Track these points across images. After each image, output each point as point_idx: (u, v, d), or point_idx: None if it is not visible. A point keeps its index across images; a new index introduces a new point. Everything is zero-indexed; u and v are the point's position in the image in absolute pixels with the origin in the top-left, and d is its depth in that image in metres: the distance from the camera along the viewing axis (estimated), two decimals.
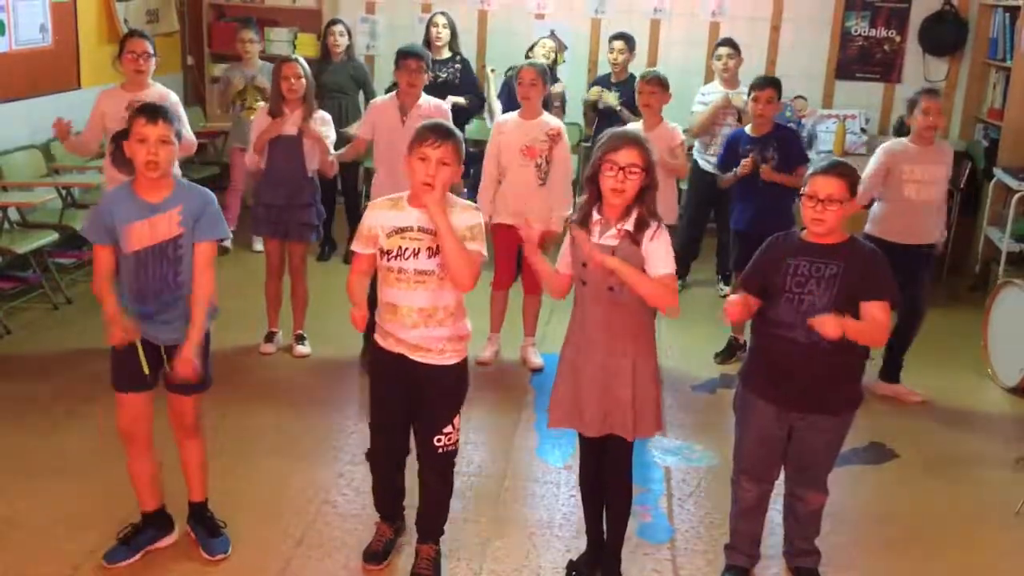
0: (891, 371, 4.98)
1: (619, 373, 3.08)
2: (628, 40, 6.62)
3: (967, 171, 6.87)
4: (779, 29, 7.68)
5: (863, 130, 7.36)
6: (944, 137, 4.87)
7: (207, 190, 3.23)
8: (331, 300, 5.73)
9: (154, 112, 3.08)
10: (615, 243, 3.03)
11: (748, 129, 5.20)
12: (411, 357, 3.14)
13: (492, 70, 6.80)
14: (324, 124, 4.98)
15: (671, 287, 3.01)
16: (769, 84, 5.10)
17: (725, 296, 6.10)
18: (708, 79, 7.01)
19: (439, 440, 3.21)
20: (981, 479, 4.27)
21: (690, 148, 6.43)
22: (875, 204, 4.83)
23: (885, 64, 7.67)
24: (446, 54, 6.70)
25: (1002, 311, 5.21)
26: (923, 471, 4.29)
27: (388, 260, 3.10)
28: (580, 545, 3.48)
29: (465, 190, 5.15)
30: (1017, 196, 5.98)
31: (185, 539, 3.44)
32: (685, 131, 6.18)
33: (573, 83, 7.29)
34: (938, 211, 4.84)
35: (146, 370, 3.18)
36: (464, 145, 3.14)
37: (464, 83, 6.68)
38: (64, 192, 6.09)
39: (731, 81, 6.29)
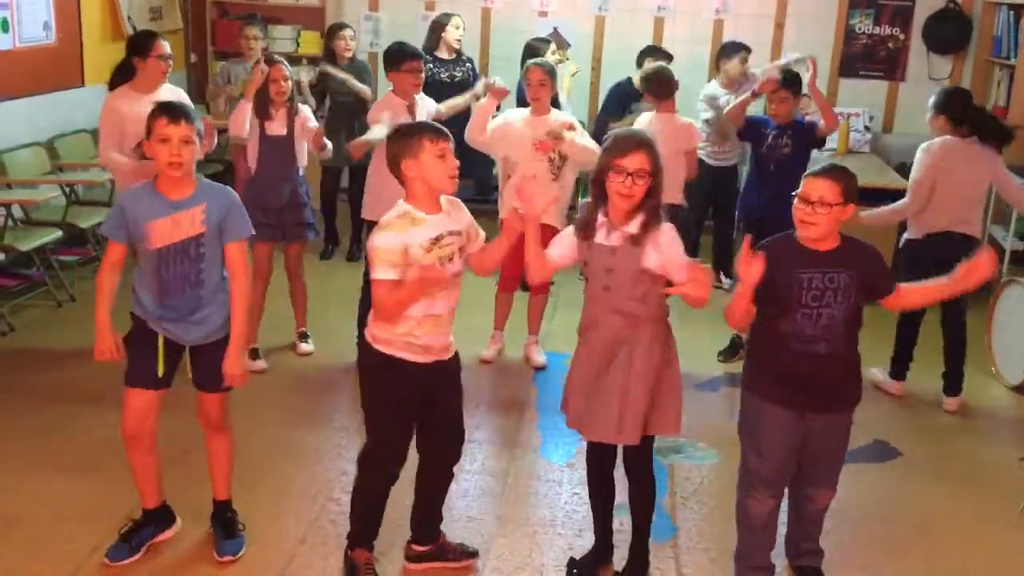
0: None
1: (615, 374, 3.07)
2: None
3: None
4: (783, 27, 7.67)
5: (867, 128, 7.36)
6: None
7: (230, 189, 3.23)
8: (332, 299, 5.76)
9: (176, 112, 3.08)
10: (617, 244, 3.02)
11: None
12: (445, 358, 3.14)
13: (574, 73, 6.87)
14: (310, 120, 4.98)
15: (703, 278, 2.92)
16: (783, 85, 5.11)
17: (726, 288, 6.10)
18: (711, 77, 7.00)
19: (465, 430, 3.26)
20: (985, 478, 4.26)
21: None
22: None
23: (889, 62, 7.67)
24: (454, 55, 6.81)
25: (1006, 310, 5.20)
26: (926, 469, 4.29)
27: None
28: (583, 543, 3.49)
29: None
30: None
31: (191, 536, 3.45)
32: (706, 122, 6.19)
33: (575, 82, 7.27)
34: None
35: (161, 372, 3.19)
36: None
37: (476, 82, 6.72)
38: (68, 190, 6.10)
39: (733, 85, 6.29)
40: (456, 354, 3.20)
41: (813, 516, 3.32)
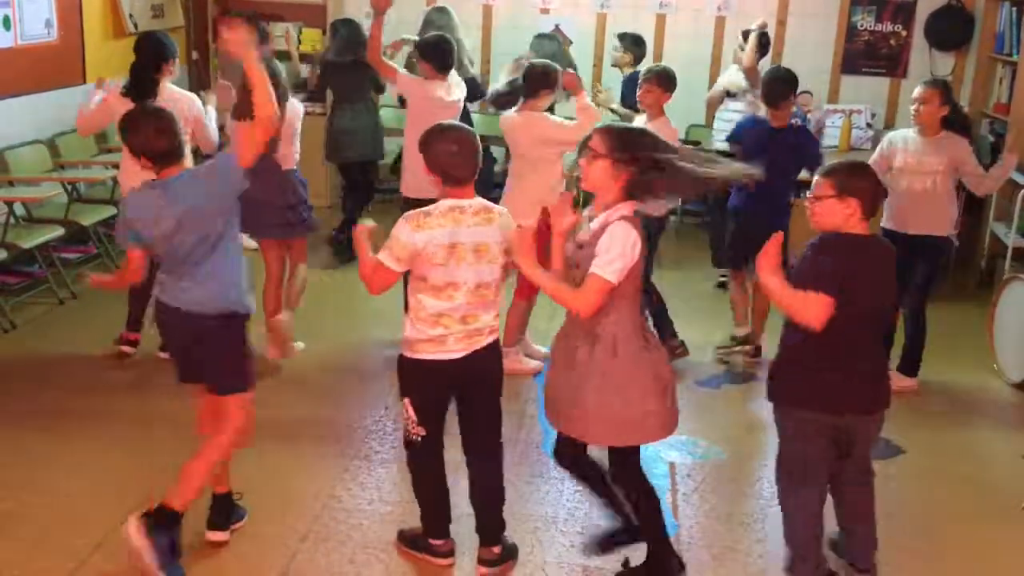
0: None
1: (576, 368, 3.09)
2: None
3: None
4: (785, 24, 7.67)
5: (869, 125, 7.35)
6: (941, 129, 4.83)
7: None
8: (334, 299, 5.76)
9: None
10: (582, 239, 3.03)
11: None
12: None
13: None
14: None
15: (573, 291, 3.03)
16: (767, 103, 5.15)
17: (724, 284, 6.06)
18: (714, 74, 7.00)
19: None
20: (987, 473, 4.27)
21: (697, 143, 6.43)
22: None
23: (891, 59, 7.66)
24: None
25: (1008, 306, 5.21)
26: (929, 465, 4.29)
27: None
28: (584, 541, 3.50)
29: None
30: (1023, 192, 5.96)
31: (191, 536, 3.45)
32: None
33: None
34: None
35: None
36: None
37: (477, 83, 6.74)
38: (70, 187, 6.10)
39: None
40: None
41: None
